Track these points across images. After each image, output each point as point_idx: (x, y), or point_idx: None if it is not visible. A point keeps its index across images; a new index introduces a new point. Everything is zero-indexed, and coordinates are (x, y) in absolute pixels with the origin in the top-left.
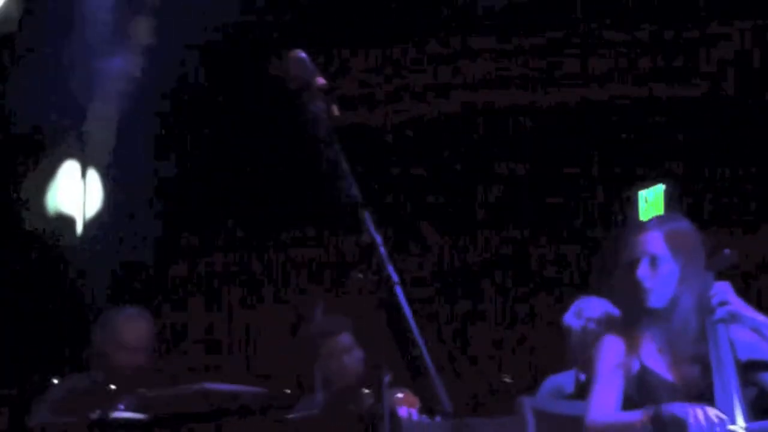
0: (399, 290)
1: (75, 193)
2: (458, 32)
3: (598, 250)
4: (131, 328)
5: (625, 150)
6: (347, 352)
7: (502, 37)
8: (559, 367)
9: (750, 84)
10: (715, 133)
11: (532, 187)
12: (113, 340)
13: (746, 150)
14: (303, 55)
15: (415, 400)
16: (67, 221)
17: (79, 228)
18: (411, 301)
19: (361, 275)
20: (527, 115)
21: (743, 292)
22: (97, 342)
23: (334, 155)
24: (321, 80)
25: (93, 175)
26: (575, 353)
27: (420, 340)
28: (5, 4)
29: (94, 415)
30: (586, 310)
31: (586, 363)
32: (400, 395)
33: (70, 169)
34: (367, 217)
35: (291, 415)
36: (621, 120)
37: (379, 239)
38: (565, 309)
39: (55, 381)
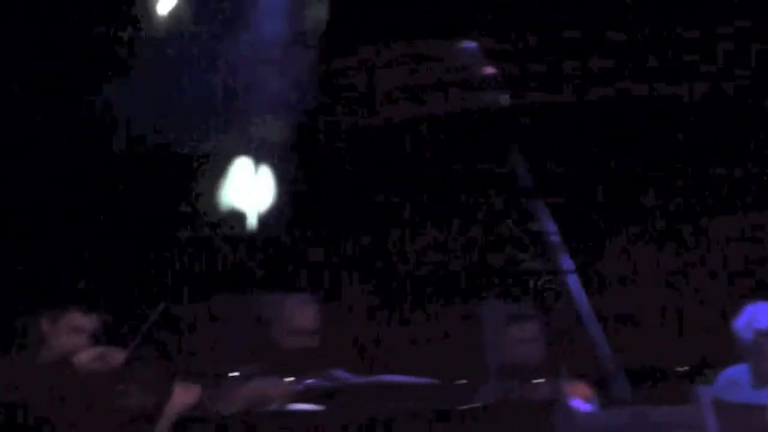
0: (573, 278)
1: (248, 188)
2: None
3: None
4: (302, 313)
5: None
6: (532, 340)
7: None
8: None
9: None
10: None
11: None
12: (284, 325)
13: None
14: (472, 45)
15: (590, 391)
16: (239, 216)
17: (252, 222)
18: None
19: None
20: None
21: None
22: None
23: (507, 144)
24: (489, 69)
25: (265, 170)
26: (748, 359)
27: (596, 328)
28: (178, 5)
29: (274, 406)
30: (756, 322)
31: (762, 373)
32: (574, 385)
33: (242, 165)
34: (540, 205)
35: (466, 406)
36: None
37: (552, 228)
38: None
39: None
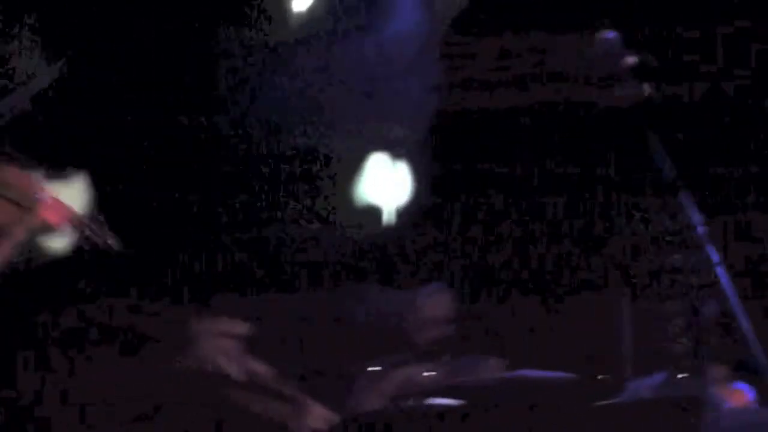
0: (721, 271)
1: (383, 184)
2: None
3: None
4: (434, 303)
5: None
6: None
7: None
8: None
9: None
10: None
11: None
12: (417, 316)
13: None
14: (612, 35)
15: (743, 395)
16: (374, 212)
17: (386, 218)
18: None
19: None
20: None
21: None
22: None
23: (648, 135)
24: (630, 59)
25: (401, 165)
26: None
27: (747, 325)
28: (313, 5)
29: (412, 402)
30: None
31: None
32: (729, 387)
33: (377, 160)
34: (685, 197)
35: (610, 402)
36: None
37: (698, 219)
38: None
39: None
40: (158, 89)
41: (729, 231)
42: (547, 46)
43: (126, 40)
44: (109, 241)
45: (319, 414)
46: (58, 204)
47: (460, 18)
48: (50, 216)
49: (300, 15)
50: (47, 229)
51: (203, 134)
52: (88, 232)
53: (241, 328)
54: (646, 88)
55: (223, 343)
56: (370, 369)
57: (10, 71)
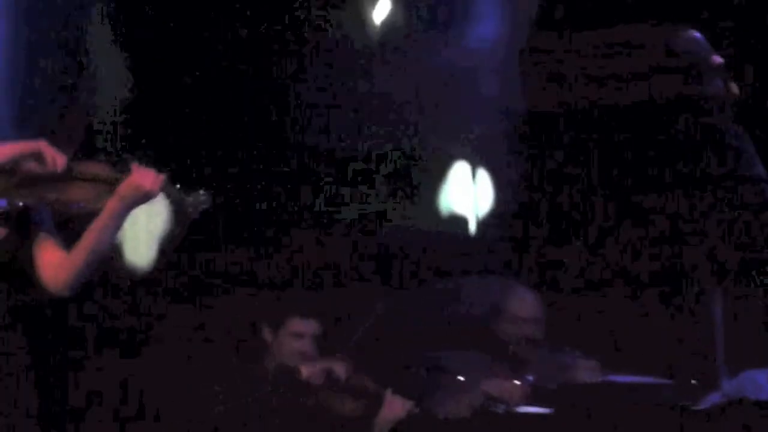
0: None
1: (467, 193)
2: None
3: None
4: (522, 301)
5: None
6: None
7: None
8: None
9: None
10: None
11: None
12: (503, 314)
13: None
14: (697, 34)
15: None
16: (460, 220)
17: (472, 227)
18: None
19: None
20: None
21: None
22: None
23: (735, 134)
24: (717, 58)
25: (483, 174)
26: None
27: None
28: (392, 12)
29: (498, 407)
30: None
31: None
32: None
33: (460, 169)
34: None
35: (699, 407)
36: None
37: None
38: None
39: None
40: (249, 90)
41: None
42: (633, 42)
43: (218, 44)
44: (200, 201)
45: (396, 404)
46: (146, 172)
47: (545, 14)
48: (142, 181)
49: (381, 21)
50: (143, 196)
51: (290, 135)
52: (178, 197)
53: (316, 327)
54: (734, 87)
55: (299, 344)
56: (459, 378)
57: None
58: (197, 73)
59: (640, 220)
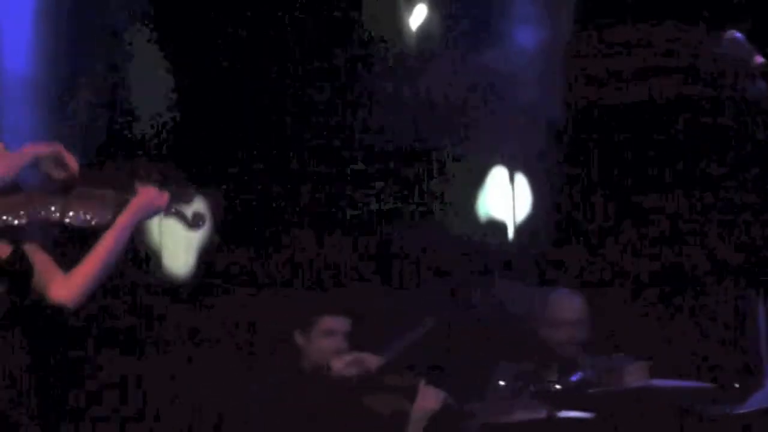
0: None
1: (504, 198)
2: None
3: None
4: (567, 305)
5: None
6: None
7: None
8: None
9: None
10: None
11: None
12: (549, 319)
13: None
14: (739, 35)
15: None
16: (497, 226)
17: (510, 233)
18: None
19: None
20: None
21: None
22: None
23: None
24: (759, 59)
25: (521, 179)
26: None
27: None
28: (426, 21)
29: (542, 413)
30: None
31: None
32: None
33: (498, 174)
34: None
35: (742, 410)
36: None
37: None
38: None
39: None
40: (294, 98)
41: None
42: (678, 41)
43: (264, 57)
44: (198, 220)
45: (431, 395)
46: (153, 189)
47: (588, 12)
48: (152, 198)
49: (417, 29)
50: (153, 212)
51: (331, 138)
52: (182, 210)
53: (347, 324)
54: None
55: (331, 342)
56: (501, 383)
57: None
58: (244, 79)
59: (685, 220)
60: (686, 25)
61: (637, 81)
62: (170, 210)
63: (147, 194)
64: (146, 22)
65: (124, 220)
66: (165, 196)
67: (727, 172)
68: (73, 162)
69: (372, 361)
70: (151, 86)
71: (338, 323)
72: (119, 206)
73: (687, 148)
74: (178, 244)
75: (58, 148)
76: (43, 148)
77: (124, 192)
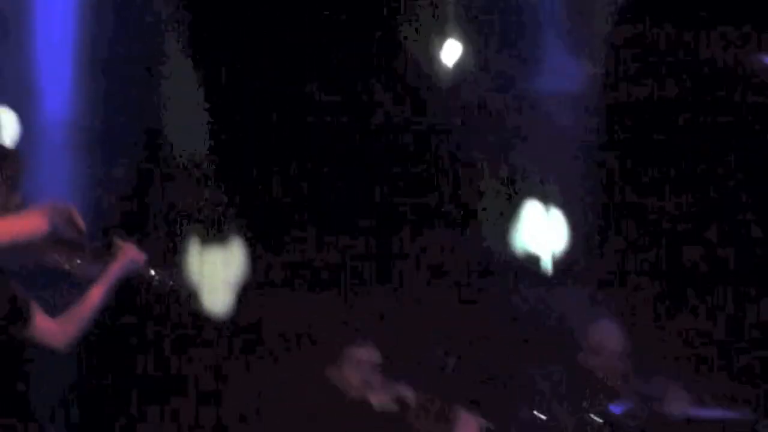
0: None
1: (540, 230)
2: None
3: None
4: (609, 335)
5: None
6: None
7: None
8: None
9: None
10: None
11: None
12: (591, 348)
13: None
14: None
15: None
16: (534, 259)
17: (548, 265)
18: None
19: None
20: None
21: None
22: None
23: None
24: None
25: (555, 212)
26: None
27: None
28: (462, 58)
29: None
30: None
31: None
32: None
33: (532, 208)
34: None
35: None
36: None
37: None
38: None
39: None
40: (334, 125)
41: None
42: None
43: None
44: (173, 284)
45: (471, 422)
46: (133, 249)
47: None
48: (136, 255)
49: (450, 65)
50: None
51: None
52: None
53: (375, 354)
54: None
55: (360, 373)
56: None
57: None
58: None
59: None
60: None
61: (676, 106)
62: (147, 268)
63: (130, 251)
64: (183, 61)
65: (112, 274)
66: (143, 255)
67: None
68: (81, 222)
69: (410, 394)
70: (188, 123)
71: (364, 354)
72: (106, 260)
73: (733, 174)
74: (216, 283)
75: (71, 209)
76: (60, 209)
77: (109, 248)
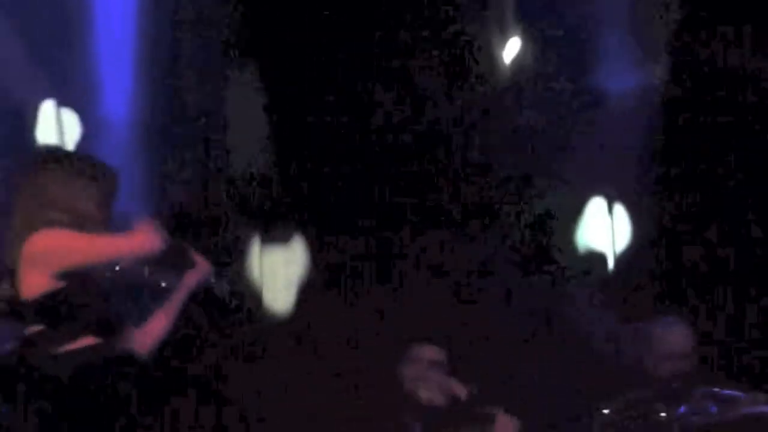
0: None
1: (603, 228)
2: None
3: None
4: (673, 337)
5: None
6: None
7: None
8: None
9: None
10: None
11: None
12: (655, 351)
13: None
14: None
15: None
16: (597, 257)
17: (610, 264)
18: None
19: None
20: None
21: None
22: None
23: None
24: None
25: (619, 210)
26: None
27: None
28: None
29: None
30: None
31: None
32: None
33: (596, 204)
34: None
35: None
36: None
37: None
38: None
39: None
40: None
41: None
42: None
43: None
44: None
45: (508, 424)
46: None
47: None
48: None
49: (510, 62)
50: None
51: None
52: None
53: (437, 353)
54: None
55: (420, 371)
56: (604, 410)
57: None
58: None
59: None
60: None
61: (732, 106)
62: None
63: (205, 263)
64: (243, 63)
65: (189, 285)
66: (209, 265)
67: None
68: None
69: (462, 391)
70: (247, 125)
71: (425, 352)
72: (182, 268)
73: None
74: (278, 283)
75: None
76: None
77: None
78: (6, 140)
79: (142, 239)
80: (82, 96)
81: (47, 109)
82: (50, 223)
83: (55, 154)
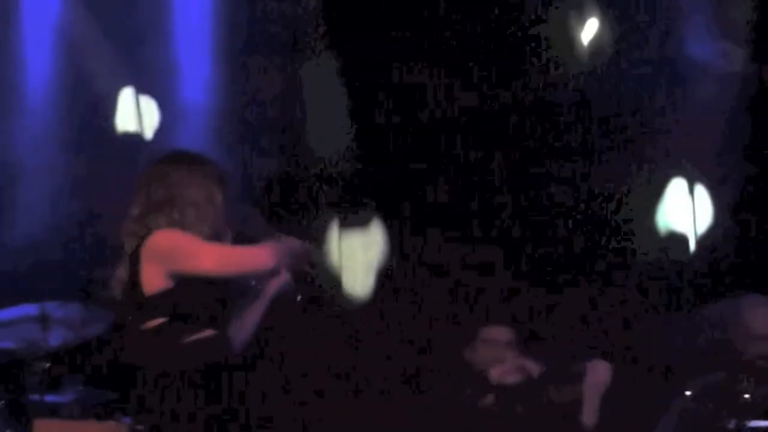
0: None
1: (685, 210)
2: None
3: None
4: (760, 315)
5: None
6: None
7: None
8: None
9: None
10: None
11: None
12: (740, 329)
13: None
14: None
15: None
16: (678, 239)
17: (692, 246)
18: None
19: None
20: None
21: None
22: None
23: None
24: None
25: (701, 191)
26: None
27: None
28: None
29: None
30: None
31: None
32: None
33: (676, 186)
34: None
35: None
36: None
37: None
38: None
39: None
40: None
41: None
42: None
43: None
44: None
45: (600, 368)
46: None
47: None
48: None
49: (588, 44)
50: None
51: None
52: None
53: (509, 334)
54: None
55: (492, 352)
56: (686, 392)
57: None
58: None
59: None
60: None
61: None
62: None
63: (295, 245)
64: (319, 50)
65: (279, 284)
66: (309, 250)
67: None
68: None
69: (534, 368)
70: (324, 111)
71: (498, 333)
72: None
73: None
74: (358, 266)
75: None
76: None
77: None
78: (87, 128)
79: (265, 260)
80: (161, 83)
81: (127, 96)
82: (175, 223)
83: (187, 153)
